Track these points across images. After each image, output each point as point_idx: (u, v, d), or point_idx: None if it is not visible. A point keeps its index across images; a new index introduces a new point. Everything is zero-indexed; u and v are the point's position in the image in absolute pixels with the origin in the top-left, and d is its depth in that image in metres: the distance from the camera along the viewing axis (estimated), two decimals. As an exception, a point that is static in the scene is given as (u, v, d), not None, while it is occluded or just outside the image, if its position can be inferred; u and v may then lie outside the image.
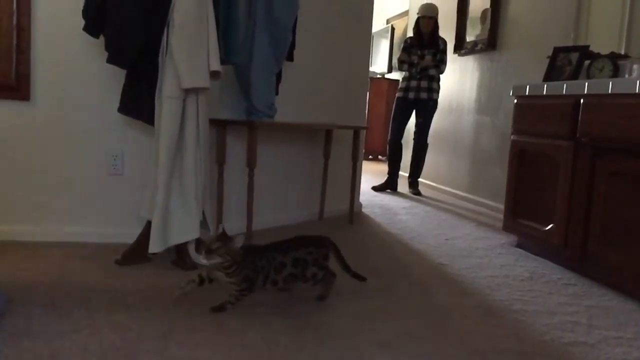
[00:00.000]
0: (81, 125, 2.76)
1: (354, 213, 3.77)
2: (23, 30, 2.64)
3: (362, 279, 2.29)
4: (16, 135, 2.71)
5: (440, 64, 5.08)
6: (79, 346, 1.64)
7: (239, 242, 1.88)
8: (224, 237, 1.87)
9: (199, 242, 2.51)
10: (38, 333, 1.71)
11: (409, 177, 5.49)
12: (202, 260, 1.85)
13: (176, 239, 2.40)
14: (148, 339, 1.71)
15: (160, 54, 2.33)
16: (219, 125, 2.98)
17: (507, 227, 3.32)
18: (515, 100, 3.23)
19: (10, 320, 1.79)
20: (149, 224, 2.46)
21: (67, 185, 2.77)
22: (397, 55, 5.48)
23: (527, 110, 3.12)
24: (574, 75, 3.19)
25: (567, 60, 3.27)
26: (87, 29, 2.41)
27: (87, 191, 2.80)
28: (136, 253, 2.49)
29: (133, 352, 1.62)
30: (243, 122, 2.91)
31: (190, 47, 2.28)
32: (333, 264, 2.19)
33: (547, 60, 3.42)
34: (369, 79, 4.28)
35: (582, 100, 2.69)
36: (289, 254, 2.01)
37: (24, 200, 2.74)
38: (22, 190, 2.74)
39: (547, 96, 2.97)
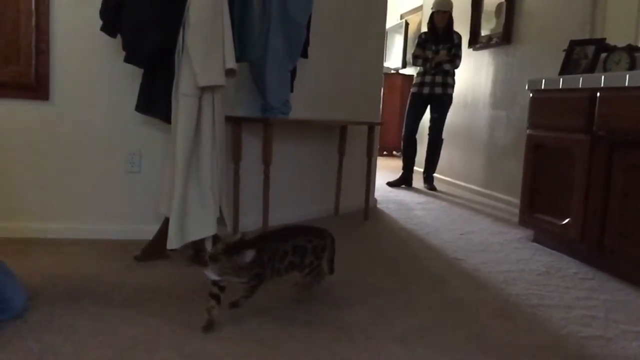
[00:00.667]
0: (99, 123, 2.80)
1: (369, 209, 3.78)
2: (42, 32, 2.68)
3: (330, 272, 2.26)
4: (35, 134, 2.75)
5: (454, 59, 5.06)
6: (99, 341, 1.67)
7: (249, 257, 1.76)
8: (231, 252, 1.76)
9: (215, 239, 2.54)
10: (59, 328, 1.75)
11: (424, 172, 5.48)
12: (213, 276, 1.75)
13: (194, 236, 2.43)
14: (166, 334, 1.74)
15: (176, 53, 2.35)
16: (235, 123, 3.00)
17: (523, 222, 3.31)
18: (531, 95, 3.22)
19: (32, 315, 1.83)
20: (166, 220, 2.49)
21: (86, 183, 2.82)
22: (411, 51, 5.47)
23: (543, 105, 3.11)
24: (590, 69, 3.16)
25: (583, 54, 3.25)
26: (104, 29, 2.44)
27: (105, 189, 2.84)
28: (155, 249, 2.53)
29: (152, 347, 1.65)
30: (258, 119, 2.93)
31: (205, 46, 2.31)
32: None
33: (563, 54, 3.40)
34: (383, 75, 4.27)
35: (598, 94, 2.68)
36: (289, 242, 1.98)
37: (43, 198, 2.79)
38: (41, 188, 2.78)
39: (563, 90, 2.95)
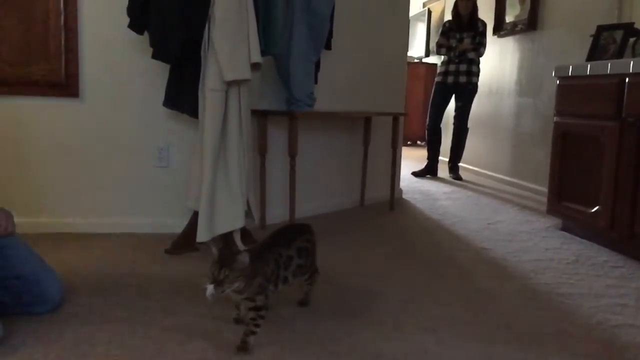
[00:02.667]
0: (128, 119, 2.85)
1: (394, 199, 3.78)
2: (70, 31, 2.73)
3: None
4: (66, 130, 2.81)
5: (479, 47, 5.01)
6: (134, 331, 1.71)
7: (243, 258, 1.56)
8: (225, 262, 1.54)
9: (243, 232, 2.57)
10: (94, 320, 1.80)
11: (449, 161, 5.45)
12: (210, 292, 1.53)
13: (222, 229, 2.46)
14: (199, 324, 1.78)
15: (202, 49, 2.38)
16: (261, 116, 3.03)
17: (552, 210, 3.28)
18: (558, 82, 3.18)
19: (68, 307, 1.88)
20: (195, 214, 2.53)
21: (116, 178, 2.87)
22: (435, 39, 5.42)
23: (571, 91, 3.07)
24: (619, 54, 3.11)
25: (611, 39, 3.19)
26: (131, 26, 2.48)
27: (134, 183, 2.89)
28: (185, 242, 2.58)
29: (186, 338, 1.68)
30: (284, 112, 2.95)
31: (231, 41, 2.33)
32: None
33: (590, 39, 3.34)
34: (406, 65, 4.26)
35: (627, 80, 2.63)
36: (293, 245, 1.81)
37: (74, 193, 2.86)
38: (72, 183, 2.85)
39: (590, 76, 2.91)
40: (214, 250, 1.56)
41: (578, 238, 3.08)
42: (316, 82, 3.21)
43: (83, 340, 1.65)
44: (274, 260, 1.71)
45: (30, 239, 1.92)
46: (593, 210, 2.87)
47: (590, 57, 3.28)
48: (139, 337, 1.68)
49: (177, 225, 2.71)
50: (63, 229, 2.83)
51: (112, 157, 2.86)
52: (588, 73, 2.92)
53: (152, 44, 2.44)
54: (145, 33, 2.50)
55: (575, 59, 3.92)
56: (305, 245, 1.86)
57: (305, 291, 1.98)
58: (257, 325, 1.62)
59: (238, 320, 1.77)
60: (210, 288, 1.51)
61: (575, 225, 3.14)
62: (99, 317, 1.82)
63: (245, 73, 2.38)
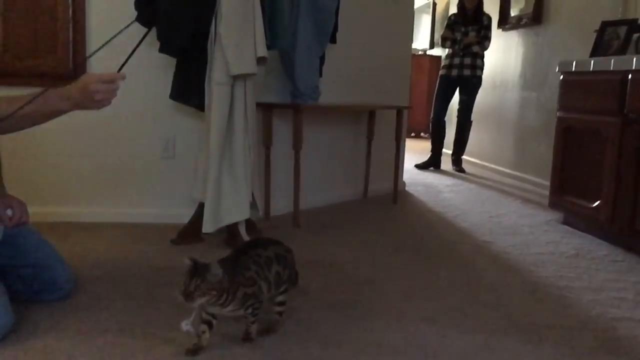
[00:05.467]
0: (135, 111, 2.88)
1: (397, 192, 3.81)
2: (78, 23, 2.76)
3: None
4: (74, 122, 2.84)
5: (484, 41, 5.02)
6: (143, 320, 1.76)
7: (215, 269, 1.48)
8: (197, 272, 1.47)
9: (248, 223, 2.61)
10: (105, 308, 1.84)
11: (453, 154, 5.48)
12: (185, 323, 1.51)
13: (228, 220, 2.50)
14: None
15: (209, 43, 2.41)
16: (266, 109, 3.06)
17: (553, 204, 3.31)
18: (562, 77, 3.20)
19: (78, 295, 1.92)
20: (201, 205, 2.57)
21: (122, 169, 2.91)
22: (439, 31, 5.43)
23: (574, 87, 3.09)
24: (622, 50, 3.12)
25: (615, 34, 3.20)
26: (139, 19, 2.50)
27: (141, 174, 2.93)
28: (190, 233, 2.62)
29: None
30: (288, 105, 2.98)
31: (237, 35, 2.36)
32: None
33: (595, 35, 3.35)
34: (410, 57, 4.28)
35: (630, 76, 2.65)
36: (270, 249, 1.68)
37: (81, 183, 2.90)
38: (79, 174, 2.89)
39: (594, 72, 2.93)
40: (187, 261, 1.48)
41: (579, 232, 3.11)
42: (321, 75, 3.24)
43: (94, 327, 1.69)
44: (253, 262, 1.60)
45: (37, 228, 1.96)
46: (594, 204, 2.90)
47: (594, 53, 3.29)
48: (148, 325, 1.72)
49: (183, 215, 2.75)
50: (69, 219, 2.87)
51: (118, 148, 2.90)
52: (591, 69, 2.94)
53: (159, 38, 2.47)
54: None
55: (579, 53, 3.93)
56: (284, 254, 1.72)
57: (272, 320, 1.73)
58: (255, 315, 1.60)
59: (194, 352, 1.57)
60: (184, 323, 1.50)
61: (576, 219, 3.17)
62: (108, 306, 1.86)
63: (251, 67, 2.41)
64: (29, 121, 1.56)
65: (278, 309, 1.71)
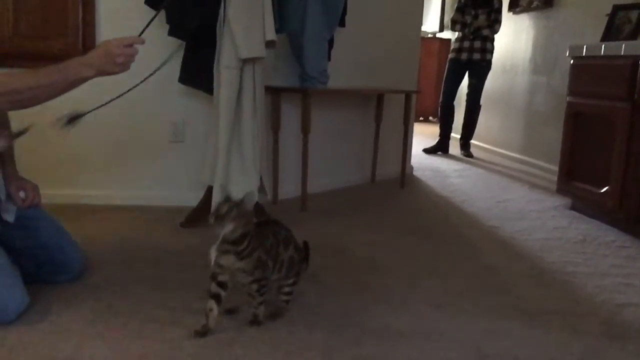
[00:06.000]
0: (144, 94, 2.88)
1: (405, 176, 3.81)
2: (88, 5, 2.77)
3: None
4: (83, 104, 2.86)
5: (494, 24, 4.97)
6: (154, 301, 1.78)
7: (248, 203, 1.53)
8: (231, 200, 1.52)
9: (256, 207, 2.63)
10: (116, 290, 1.87)
11: (461, 139, 5.46)
12: (213, 226, 1.51)
13: (236, 203, 2.52)
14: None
15: (217, 26, 2.41)
16: (274, 93, 3.06)
17: (561, 190, 3.31)
18: (572, 61, 3.18)
19: (90, 277, 1.96)
20: (210, 189, 2.59)
21: (131, 152, 2.94)
22: (449, 14, 5.39)
23: (584, 72, 3.07)
24: (633, 35, 3.09)
25: (627, 19, 3.17)
26: (148, 2, 2.51)
27: (150, 157, 2.95)
28: (199, 216, 2.64)
29: (200, 308, 1.74)
30: (297, 89, 2.98)
31: (246, 18, 2.36)
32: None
33: (606, 19, 3.32)
34: (420, 41, 4.25)
35: (640, 61, 2.64)
36: (290, 234, 1.72)
37: (91, 166, 2.92)
38: (89, 156, 2.92)
39: (604, 57, 2.90)
40: (222, 191, 1.53)
41: (587, 217, 3.11)
42: (329, 59, 3.23)
43: (105, 309, 1.72)
44: (272, 234, 1.65)
45: (49, 210, 1.98)
46: (602, 190, 2.90)
47: (605, 37, 3.27)
48: (157, 307, 1.75)
49: (192, 199, 2.77)
50: (80, 201, 2.89)
51: (128, 131, 2.92)
52: (602, 53, 2.92)
53: (168, 21, 2.47)
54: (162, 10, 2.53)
55: (590, 38, 3.89)
56: (299, 245, 1.77)
57: (279, 306, 1.73)
58: (262, 294, 1.61)
59: (203, 333, 1.58)
60: (212, 249, 1.53)
61: (584, 204, 3.17)
62: (119, 288, 1.89)
63: (259, 51, 2.41)
64: (55, 90, 1.60)
65: (284, 297, 1.73)
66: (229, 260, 1.54)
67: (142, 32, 1.68)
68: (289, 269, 1.69)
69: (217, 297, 1.58)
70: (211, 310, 1.57)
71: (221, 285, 1.57)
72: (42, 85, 1.57)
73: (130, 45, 1.61)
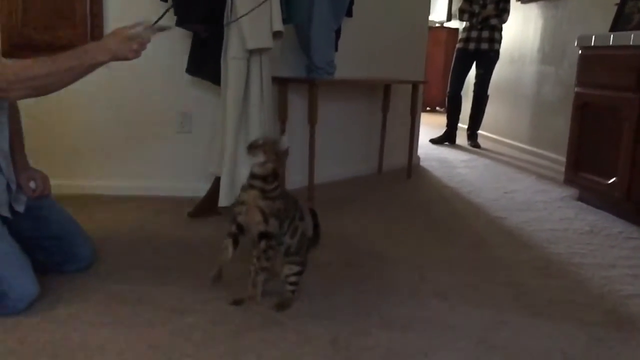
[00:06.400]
0: (152, 85, 2.91)
1: (412, 167, 3.81)
2: (96, -4, 2.78)
3: None
4: (91, 95, 2.88)
5: (502, 14, 4.94)
6: (162, 291, 1.80)
7: (284, 144, 1.61)
8: (268, 137, 1.62)
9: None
10: (124, 279, 1.89)
11: (468, 129, 5.44)
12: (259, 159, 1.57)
13: (243, 194, 2.53)
14: (221, 285, 1.85)
15: (225, 17, 2.41)
16: (281, 83, 3.06)
17: (569, 180, 3.30)
18: (580, 51, 3.16)
19: (98, 267, 1.98)
20: (217, 179, 2.60)
21: (139, 142, 2.95)
22: (457, 3, 5.36)
23: (593, 62, 3.05)
24: (643, 24, 3.07)
25: (637, 8, 3.14)
26: (155, -7, 2.51)
27: (157, 148, 2.97)
28: (207, 207, 2.65)
29: (209, 296, 1.77)
30: (304, 79, 2.98)
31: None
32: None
33: (615, 8, 3.29)
34: (427, 30, 4.24)
35: (650, 51, 2.62)
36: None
37: (99, 156, 2.94)
38: (97, 147, 2.94)
39: (613, 47, 2.88)
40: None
41: (594, 208, 3.11)
42: (337, 49, 3.22)
43: (114, 298, 1.74)
44: (292, 201, 1.70)
45: (58, 200, 2.00)
46: (610, 181, 2.89)
47: (614, 27, 3.24)
48: (167, 296, 1.77)
49: (199, 189, 2.79)
50: (89, 191, 2.91)
51: (135, 122, 2.93)
52: (611, 43, 2.90)
53: (176, 12, 2.47)
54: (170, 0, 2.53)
55: (599, 27, 3.86)
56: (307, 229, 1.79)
57: (285, 296, 1.74)
58: (267, 259, 1.63)
59: (217, 278, 1.71)
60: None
61: (591, 195, 3.17)
62: (128, 277, 1.91)
63: (267, 42, 2.42)
64: (73, 76, 1.64)
65: (290, 288, 1.74)
66: (252, 196, 1.59)
67: (155, 23, 1.73)
68: (300, 242, 1.71)
69: (234, 238, 1.63)
70: (226, 248, 1.64)
71: (240, 228, 1.63)
72: (61, 71, 1.60)
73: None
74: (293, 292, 1.74)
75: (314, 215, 1.89)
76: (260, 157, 1.56)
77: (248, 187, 1.61)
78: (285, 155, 1.63)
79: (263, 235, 1.61)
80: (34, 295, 1.63)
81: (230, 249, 1.64)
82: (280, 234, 1.65)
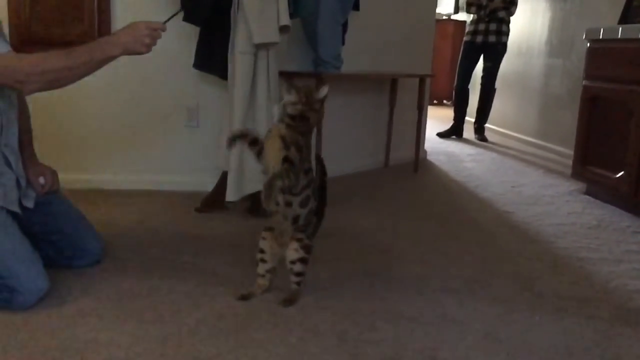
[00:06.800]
0: (159, 80, 2.91)
1: (419, 161, 3.81)
2: (103, -8, 2.79)
3: None
4: (99, 90, 2.89)
5: (510, 6, 4.91)
6: (170, 286, 1.82)
7: (322, 93, 1.69)
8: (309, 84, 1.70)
9: None
10: (133, 274, 1.90)
11: (475, 122, 5.43)
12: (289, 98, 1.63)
13: (251, 189, 2.54)
14: (229, 280, 1.87)
15: (232, 11, 2.41)
16: (288, 78, 3.05)
17: (576, 174, 3.29)
18: (588, 44, 3.14)
19: (106, 262, 1.99)
20: (224, 174, 2.61)
21: (147, 137, 2.97)
22: (465, -3, 5.33)
23: (601, 55, 3.03)
24: (652, 17, 3.05)
25: (646, 1, 3.12)
26: (163, -11, 2.52)
27: (165, 143, 2.98)
28: (214, 201, 2.67)
29: (217, 292, 1.78)
30: (311, 74, 2.98)
31: (260, 3, 2.36)
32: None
33: (624, 1, 3.27)
34: (434, 23, 4.22)
35: (659, 45, 2.60)
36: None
37: (107, 151, 2.96)
38: (105, 141, 2.95)
39: (621, 40, 2.87)
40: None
41: (601, 203, 3.10)
42: (343, 43, 3.22)
43: (124, 293, 1.76)
44: (311, 172, 1.72)
45: (66, 195, 2.02)
46: (618, 175, 2.88)
47: (623, 20, 3.22)
48: (175, 291, 1.78)
49: (207, 184, 2.80)
50: (96, 186, 2.93)
51: (143, 116, 2.95)
52: (619, 36, 2.88)
53: (183, 7, 2.48)
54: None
55: (608, 20, 3.83)
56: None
57: (291, 290, 1.75)
58: (288, 176, 1.61)
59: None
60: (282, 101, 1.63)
61: (599, 189, 3.16)
62: (136, 272, 1.92)
63: (273, 36, 2.41)
64: (87, 69, 1.67)
65: (295, 279, 1.74)
66: (276, 127, 1.65)
67: (166, 21, 1.77)
68: (308, 217, 1.71)
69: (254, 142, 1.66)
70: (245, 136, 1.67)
71: (254, 142, 1.66)
72: (76, 65, 1.63)
73: (155, 29, 1.70)
74: (299, 283, 1.75)
75: (320, 161, 1.89)
76: (293, 97, 1.62)
77: (278, 121, 1.66)
78: (318, 103, 1.68)
79: (284, 160, 1.61)
80: (43, 290, 1.64)
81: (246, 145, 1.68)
82: (298, 170, 1.63)
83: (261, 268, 1.76)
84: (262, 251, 1.75)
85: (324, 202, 1.86)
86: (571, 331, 1.63)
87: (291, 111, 1.63)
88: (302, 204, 1.69)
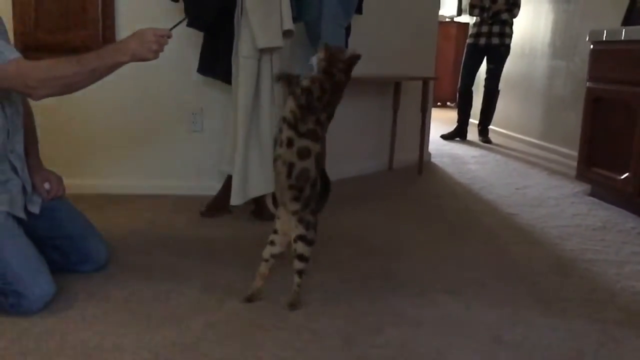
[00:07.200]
0: (163, 85, 2.93)
1: (423, 163, 3.81)
2: (107, -3, 2.81)
3: None
4: (104, 95, 2.90)
5: (513, 8, 4.91)
6: (176, 290, 1.82)
7: (347, 53, 1.79)
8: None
9: (275, 195, 2.65)
10: (139, 277, 1.91)
11: (479, 124, 5.42)
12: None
13: (255, 192, 2.55)
14: (235, 284, 1.87)
15: (235, 16, 2.42)
16: (288, 78, 3.06)
17: (581, 176, 3.28)
18: (592, 46, 3.14)
19: (112, 267, 2.00)
20: (229, 178, 2.61)
21: (151, 142, 2.98)
22: (468, -1, 5.33)
23: (604, 57, 3.03)
24: (656, 18, 3.05)
25: (649, 2, 3.12)
26: (167, -6, 2.53)
27: (169, 147, 2.99)
28: (219, 205, 2.67)
29: (223, 295, 1.78)
30: (314, 77, 2.98)
31: (264, 8, 2.36)
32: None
33: (627, 2, 3.27)
34: (437, 26, 4.22)
35: (663, 46, 2.60)
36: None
37: (112, 156, 2.97)
38: (110, 146, 2.96)
39: (625, 41, 2.86)
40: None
41: (606, 204, 3.09)
42: (347, 46, 3.22)
43: (129, 298, 1.76)
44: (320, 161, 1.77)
45: (71, 200, 2.02)
46: (622, 176, 2.87)
47: (626, 21, 3.22)
48: (181, 295, 1.79)
49: (211, 188, 2.80)
50: (101, 191, 2.94)
51: (147, 121, 2.96)
52: (622, 38, 2.88)
53: (186, 12, 2.49)
54: (181, 1, 2.55)
55: (611, 22, 3.83)
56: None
57: (293, 291, 1.74)
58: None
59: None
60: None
61: (604, 191, 3.15)
62: (142, 276, 1.93)
63: (277, 41, 2.42)
64: (96, 76, 1.69)
65: (298, 266, 1.71)
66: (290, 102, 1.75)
67: (172, 28, 1.79)
68: (312, 196, 1.72)
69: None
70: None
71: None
72: (86, 71, 1.65)
73: (162, 36, 1.72)
74: (300, 273, 1.72)
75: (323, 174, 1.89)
76: (321, 54, 1.75)
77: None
78: (342, 63, 1.78)
79: (304, 90, 1.74)
80: (50, 295, 1.65)
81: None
82: (313, 106, 1.77)
83: (267, 251, 1.76)
84: (275, 232, 1.76)
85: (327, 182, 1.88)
86: (578, 333, 1.63)
87: (318, 65, 1.75)
88: (300, 154, 1.69)
